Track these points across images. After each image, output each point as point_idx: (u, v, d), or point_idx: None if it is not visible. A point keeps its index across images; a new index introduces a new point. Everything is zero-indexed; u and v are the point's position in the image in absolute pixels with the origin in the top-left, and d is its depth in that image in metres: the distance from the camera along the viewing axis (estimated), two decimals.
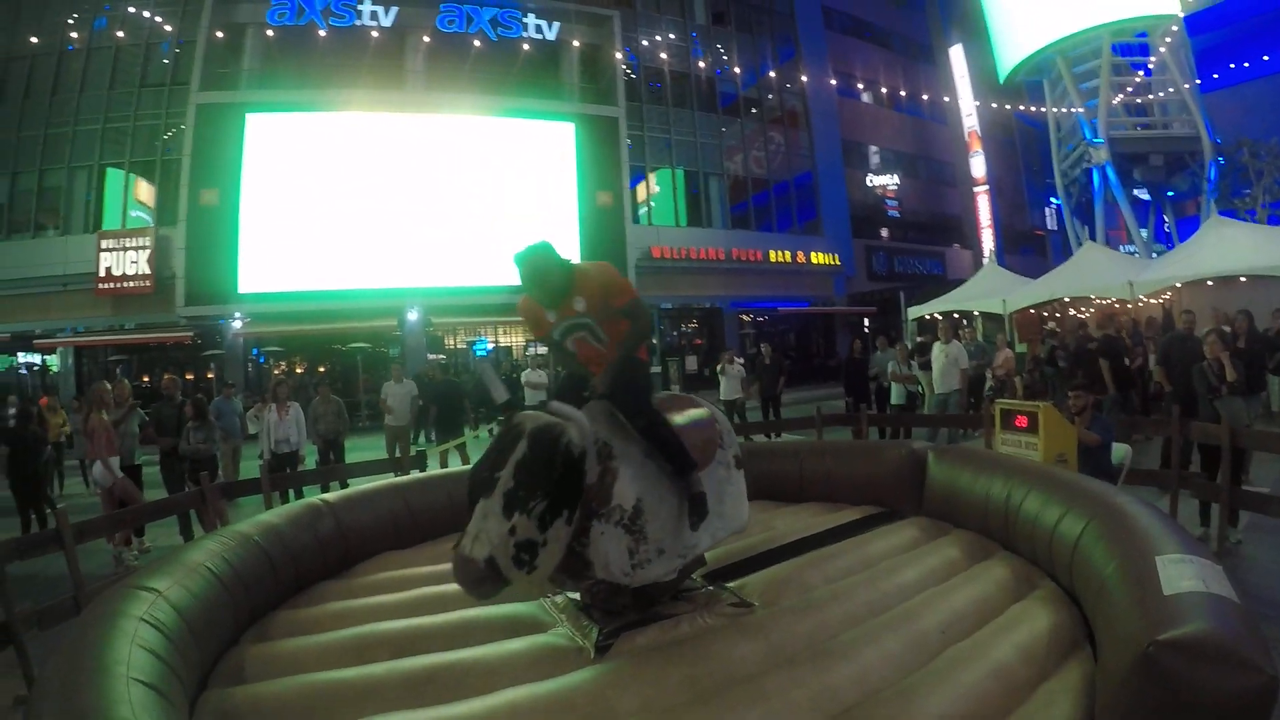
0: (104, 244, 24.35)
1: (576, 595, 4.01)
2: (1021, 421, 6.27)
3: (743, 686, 3.03)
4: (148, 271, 24.16)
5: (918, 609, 3.73)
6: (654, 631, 3.66)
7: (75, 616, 4.61)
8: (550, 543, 3.13)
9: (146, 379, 24.90)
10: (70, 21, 25.24)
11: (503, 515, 3.04)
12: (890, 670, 3.18)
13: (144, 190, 25.89)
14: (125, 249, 24.39)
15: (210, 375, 24.94)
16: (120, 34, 24.99)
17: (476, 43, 28.06)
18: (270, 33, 26.37)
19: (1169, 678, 2.36)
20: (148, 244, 24.34)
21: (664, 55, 31.10)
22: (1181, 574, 2.80)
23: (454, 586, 4.35)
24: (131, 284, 24.24)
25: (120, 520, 7.19)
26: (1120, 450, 6.75)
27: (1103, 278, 17.56)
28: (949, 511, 5.33)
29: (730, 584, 4.21)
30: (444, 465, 11.32)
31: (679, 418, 4.03)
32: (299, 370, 26.24)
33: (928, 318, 21.07)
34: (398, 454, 11.42)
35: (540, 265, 3.77)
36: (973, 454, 5.82)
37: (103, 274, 24.13)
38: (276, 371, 24.30)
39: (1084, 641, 3.45)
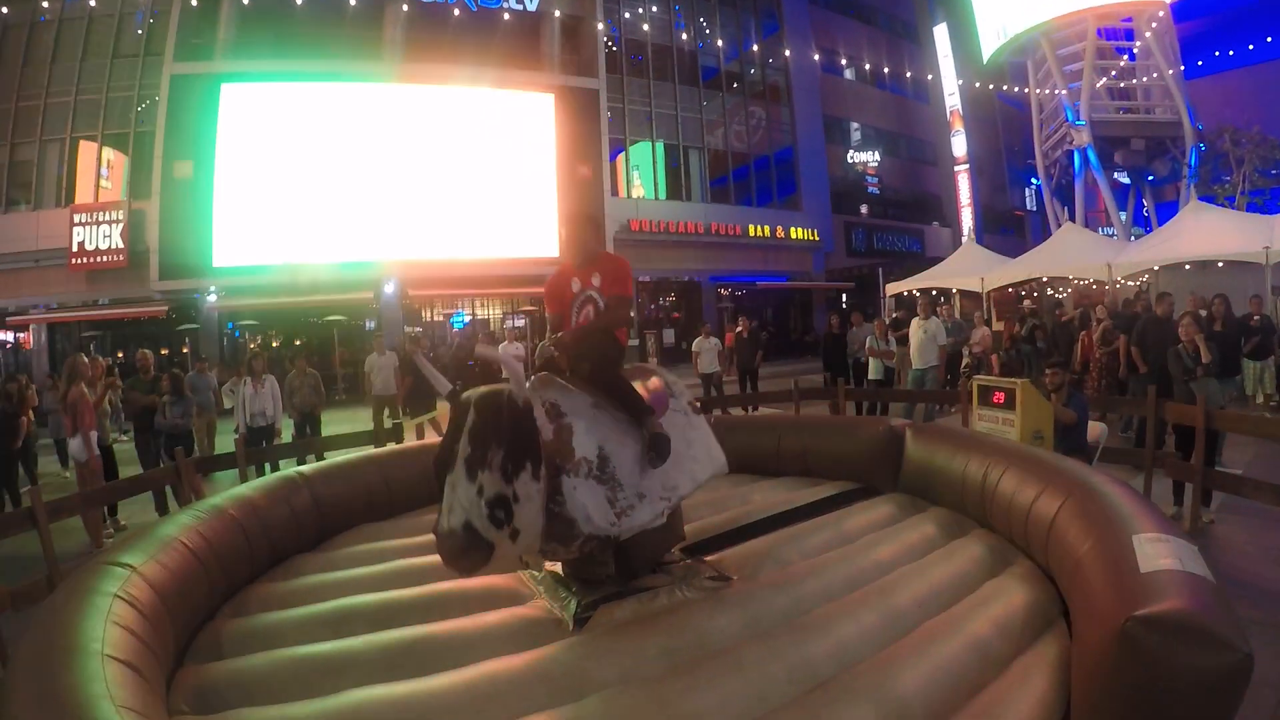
0: (77, 218, 23.93)
1: (556, 567, 4.01)
2: (999, 398, 6.31)
3: (720, 659, 3.04)
4: (121, 245, 23.77)
5: (894, 584, 3.74)
6: (632, 604, 3.67)
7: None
8: (522, 499, 3.12)
9: (121, 354, 24.54)
10: None
11: (468, 479, 3.05)
12: (867, 644, 3.20)
13: (117, 163, 25.43)
14: (98, 223, 23.96)
15: (185, 350, 24.64)
16: (93, 3, 24.38)
17: (456, 12, 27.68)
18: (246, 1, 25.91)
19: (1145, 654, 2.37)
20: (121, 218, 23.93)
21: (646, 28, 30.77)
22: (1158, 552, 2.81)
23: (431, 558, 4.33)
24: (105, 258, 23.84)
25: (94, 498, 7.10)
26: (1096, 428, 6.81)
27: (1081, 259, 17.68)
28: (925, 488, 5.35)
29: (708, 557, 4.22)
30: (421, 437, 11.30)
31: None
32: (275, 344, 25.95)
33: (905, 294, 21.16)
34: (386, 422, 11.43)
35: (584, 226, 4.32)
36: (949, 432, 5.83)
37: (75, 249, 23.75)
38: (252, 345, 24.08)
39: (1059, 618, 3.47)
